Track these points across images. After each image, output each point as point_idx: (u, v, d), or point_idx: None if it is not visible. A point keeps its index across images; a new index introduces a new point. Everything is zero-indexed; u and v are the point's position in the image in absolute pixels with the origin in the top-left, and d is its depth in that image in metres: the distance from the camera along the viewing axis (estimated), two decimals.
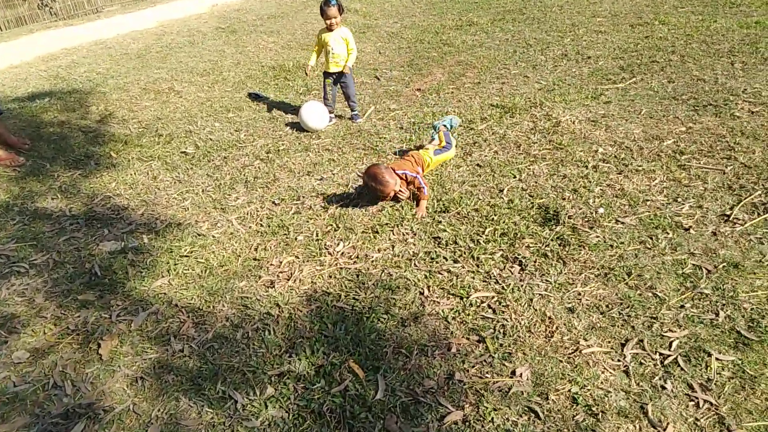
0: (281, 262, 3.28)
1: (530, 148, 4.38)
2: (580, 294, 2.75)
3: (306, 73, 5.40)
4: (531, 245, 3.17)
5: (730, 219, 3.19)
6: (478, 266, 3.04)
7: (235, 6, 10.41)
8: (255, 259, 3.35)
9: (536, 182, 3.86)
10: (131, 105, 6.17)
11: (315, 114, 5.22)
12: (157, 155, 4.96)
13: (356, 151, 4.77)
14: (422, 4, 11.48)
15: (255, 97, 6.45)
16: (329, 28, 5.12)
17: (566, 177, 3.88)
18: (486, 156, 4.35)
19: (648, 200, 3.49)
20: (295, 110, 5.93)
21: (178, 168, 4.72)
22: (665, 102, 5.03)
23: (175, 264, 3.36)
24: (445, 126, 4.14)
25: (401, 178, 3.67)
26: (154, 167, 4.75)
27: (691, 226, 3.17)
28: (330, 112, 5.43)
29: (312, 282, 3.05)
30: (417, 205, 3.71)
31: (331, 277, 3.08)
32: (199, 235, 3.68)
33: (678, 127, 4.48)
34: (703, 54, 6.19)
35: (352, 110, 5.59)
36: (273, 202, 4.02)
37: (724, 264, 2.83)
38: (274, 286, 3.05)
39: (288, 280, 3.10)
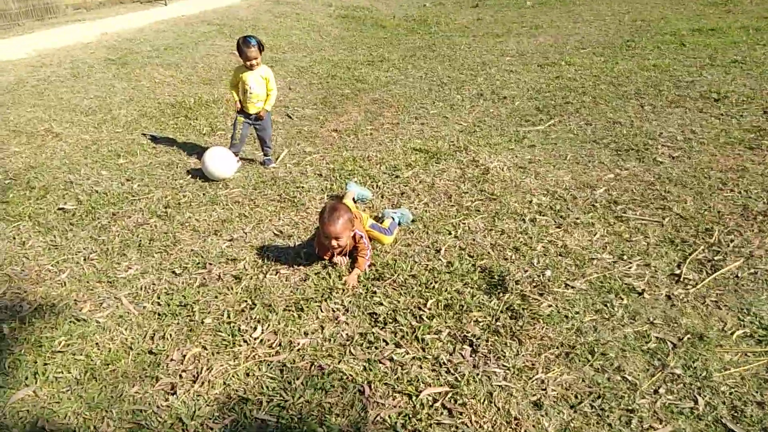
0: (184, 356, 2.66)
1: (462, 199, 4.08)
2: (543, 382, 2.40)
3: (236, 109, 4.89)
4: (480, 319, 2.80)
5: (681, 280, 3.02)
6: (424, 350, 2.61)
7: (127, 35, 9.53)
8: (151, 353, 2.71)
9: (474, 239, 3.54)
10: None
11: (221, 161, 4.63)
12: (28, 214, 4.13)
13: (270, 203, 4.23)
14: (330, 39, 11.21)
15: (151, 138, 5.72)
16: (249, 68, 4.63)
17: (504, 232, 3.59)
18: (416, 209, 3.99)
19: (593, 258, 3.26)
20: (198, 154, 5.28)
21: (53, 230, 3.92)
22: (587, 146, 4.97)
23: (45, 365, 2.64)
24: (393, 218, 3.66)
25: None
26: (23, 229, 3.93)
27: (644, 290, 2.95)
28: (236, 155, 4.86)
29: (224, 383, 2.47)
30: (351, 269, 3.24)
31: (248, 375, 2.52)
32: (79, 320, 2.97)
33: (606, 173, 4.38)
34: (613, 95, 6.32)
35: (266, 155, 5.07)
36: (173, 272, 3.38)
37: (689, 335, 2.60)
38: (175, 392, 2.43)
39: (194, 382, 2.49)
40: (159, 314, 2.99)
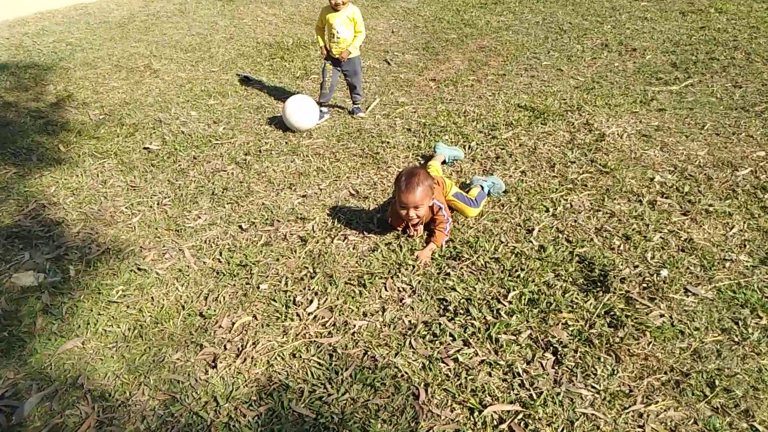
0: (233, 324, 2.46)
1: (567, 170, 3.49)
2: (642, 416, 1.92)
3: (323, 55, 4.52)
4: (570, 323, 2.32)
5: None
6: (497, 353, 2.21)
7: None
8: (201, 315, 2.54)
9: (576, 221, 2.99)
10: (96, 85, 5.31)
11: (302, 112, 4.33)
12: (114, 151, 4.13)
13: (352, 158, 3.90)
14: None
15: (244, 80, 5.58)
16: (334, 8, 4.25)
17: (614, 215, 3.01)
18: (511, 177, 3.47)
19: (726, 259, 2.62)
20: (288, 98, 5.04)
21: (135, 170, 3.89)
22: (733, 114, 4.10)
23: (99, 315, 2.56)
24: (482, 187, 3.19)
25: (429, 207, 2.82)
26: (107, 167, 3.93)
27: None
28: (324, 104, 4.56)
29: (268, 363, 2.24)
30: (426, 243, 2.86)
31: (294, 356, 2.26)
32: (140, 269, 2.87)
33: (754, 150, 3.56)
34: None
35: (354, 102, 4.73)
36: (240, 227, 3.19)
37: None
38: (216, 366, 2.24)
39: (237, 356, 2.29)
40: (217, 272, 2.81)
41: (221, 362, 2.26)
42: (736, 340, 2.18)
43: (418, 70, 5.74)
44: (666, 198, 3.12)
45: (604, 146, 3.73)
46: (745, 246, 2.70)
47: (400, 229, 2.96)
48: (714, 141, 3.72)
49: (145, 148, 4.18)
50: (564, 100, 4.58)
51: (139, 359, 2.31)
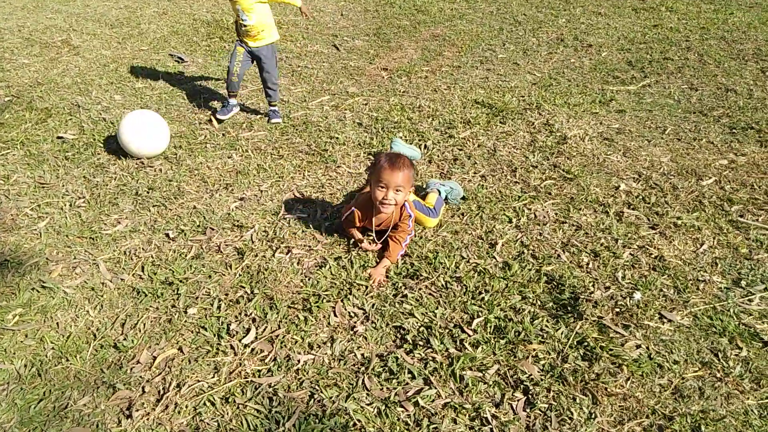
0: (154, 359, 2.08)
1: (529, 175, 3.27)
2: None
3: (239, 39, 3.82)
4: (541, 355, 2.09)
5: None
6: (462, 394, 1.94)
7: None
8: (116, 347, 2.14)
9: (541, 234, 2.77)
10: (2, 61, 4.66)
11: (141, 135, 3.33)
12: (21, 140, 3.58)
13: (297, 155, 3.54)
14: None
15: (178, 61, 5.06)
16: None
17: (581, 228, 2.80)
18: (471, 182, 3.21)
19: (700, 280, 2.46)
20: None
21: (45, 163, 3.37)
22: (692, 118, 4.00)
23: None
24: (439, 192, 2.91)
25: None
26: (11, 160, 3.39)
27: None
28: (232, 96, 3.96)
29: (195, 411, 1.88)
30: (379, 258, 2.55)
31: (227, 400, 1.92)
32: (44, 287, 2.43)
33: (716, 158, 3.46)
34: (725, 55, 5.19)
35: (270, 103, 4.02)
36: (166, 235, 2.78)
37: None
38: (131, 415, 1.86)
39: (157, 402, 1.91)
40: (138, 292, 2.41)
41: (138, 410, 1.88)
42: (718, 375, 2.01)
43: (369, 58, 5.39)
44: (633, 209, 2.95)
45: (566, 150, 3.53)
46: (716, 265, 2.56)
47: (354, 237, 2.63)
48: (676, 147, 3.59)
49: (58, 138, 3.66)
50: (522, 96, 4.37)
51: (35, 407, 1.90)
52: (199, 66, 5.02)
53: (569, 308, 2.30)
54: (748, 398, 1.92)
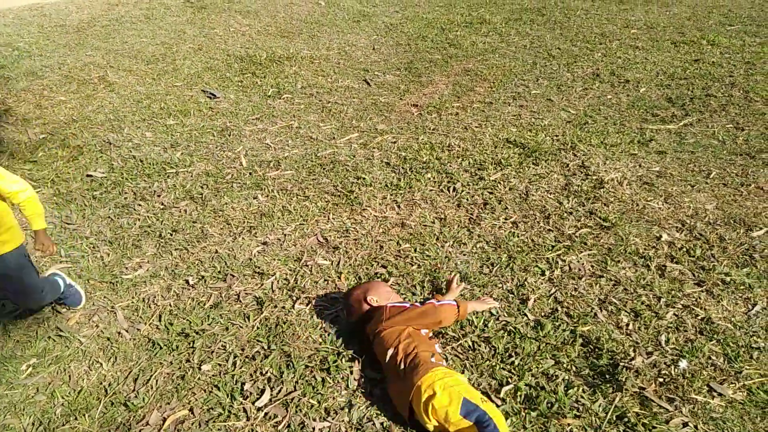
0: (164, 421, 1.99)
1: (564, 223, 3.11)
2: None
3: None
4: (576, 431, 1.91)
5: None
6: None
7: None
8: (125, 406, 2.06)
9: (576, 288, 2.60)
10: (41, 98, 4.77)
11: None
12: (51, 178, 3.62)
13: (323, 196, 3.47)
14: None
15: (210, 97, 5.10)
16: None
17: (620, 284, 2.62)
18: (501, 229, 3.07)
19: (753, 347, 2.25)
20: (259, 120, 4.60)
21: (72, 203, 3.39)
22: (738, 161, 3.78)
23: None
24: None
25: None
26: (41, 198, 3.40)
27: None
28: None
29: None
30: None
31: None
32: (60, 336, 2.39)
33: (767, 206, 3.23)
34: None
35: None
36: (186, 281, 2.72)
37: None
38: None
39: None
40: (153, 343, 2.34)
41: None
42: None
43: (399, 93, 5.34)
44: (676, 263, 2.76)
45: (603, 195, 3.36)
46: None
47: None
48: (722, 192, 3.38)
49: (87, 176, 3.68)
50: (556, 136, 4.22)
51: None
52: (230, 102, 5.05)
53: (607, 376, 2.12)
54: None
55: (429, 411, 1.81)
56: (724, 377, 2.12)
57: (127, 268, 2.83)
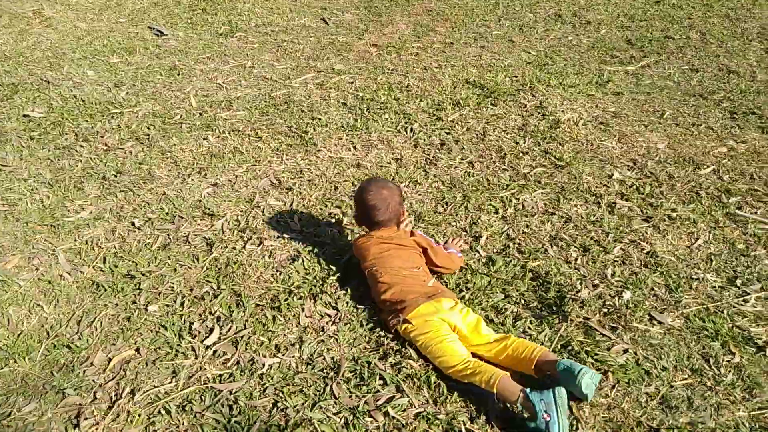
0: (109, 361, 1.95)
1: (519, 162, 3.11)
2: None
3: None
4: None
5: None
6: (436, 404, 1.82)
7: None
8: (69, 348, 2.00)
9: (528, 226, 2.62)
10: None
11: None
12: None
13: (276, 137, 3.37)
14: None
15: (157, 34, 4.83)
16: None
17: (571, 221, 2.66)
18: (457, 169, 3.06)
19: (694, 278, 2.32)
20: (210, 59, 4.40)
21: (8, 143, 3.20)
22: (692, 101, 3.82)
23: None
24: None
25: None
26: None
27: (767, 343, 2.03)
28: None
29: (149, 420, 1.75)
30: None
31: (184, 409, 1.79)
32: None
33: (715, 145, 3.30)
34: (729, 34, 4.97)
35: None
36: (132, 224, 2.63)
37: None
38: (78, 425, 1.74)
39: (108, 409, 1.79)
40: (98, 286, 2.27)
41: (86, 418, 1.76)
42: (709, 384, 1.89)
43: (358, 33, 5.17)
44: (626, 200, 2.80)
45: (558, 135, 3.36)
46: (711, 261, 2.42)
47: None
48: (674, 132, 3.43)
49: (24, 116, 3.47)
50: (516, 76, 4.18)
51: None
52: (179, 40, 4.80)
53: (554, 308, 2.17)
54: (739, 409, 1.80)
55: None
56: (665, 306, 2.19)
57: (69, 211, 2.71)
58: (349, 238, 2.52)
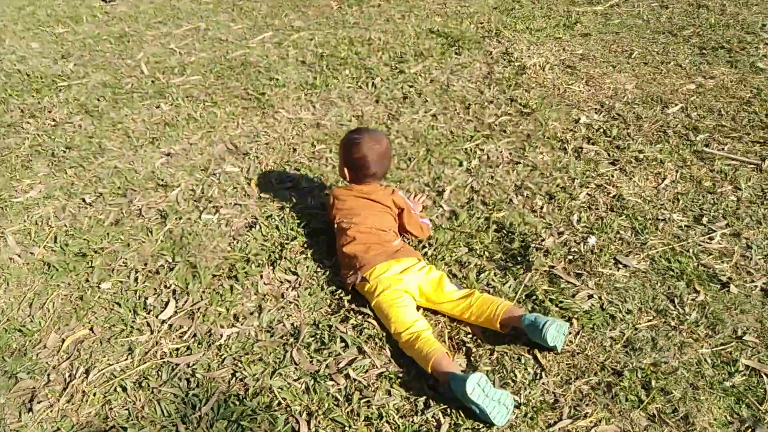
0: (63, 341, 1.89)
1: (484, 112, 3.03)
2: None
3: None
4: None
5: None
6: (398, 364, 1.78)
7: None
8: (20, 332, 1.94)
9: (493, 177, 2.56)
10: None
11: None
12: None
13: (232, 101, 3.24)
14: None
15: (105, 0, 4.59)
16: None
17: (536, 168, 2.60)
18: (420, 123, 2.96)
19: (660, 219, 2.29)
20: (162, 23, 4.20)
21: None
22: (660, 39, 3.73)
23: None
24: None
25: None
26: None
27: (730, 279, 2.02)
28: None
29: (105, 398, 1.71)
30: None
31: (141, 385, 1.74)
32: None
33: (684, 82, 3.23)
34: None
35: None
36: (83, 200, 2.53)
37: None
38: (32, 408, 1.69)
39: (63, 390, 1.74)
40: (49, 266, 2.19)
41: (40, 401, 1.70)
42: (673, 324, 1.87)
43: None
44: (593, 144, 2.74)
45: (524, 81, 3.27)
46: (678, 201, 2.39)
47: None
48: (642, 72, 3.35)
49: None
50: (481, 23, 4.04)
51: None
52: (129, 5, 4.57)
53: (519, 258, 2.13)
54: (702, 346, 1.80)
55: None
56: (630, 249, 2.16)
57: (17, 191, 2.60)
58: (309, 202, 2.45)
